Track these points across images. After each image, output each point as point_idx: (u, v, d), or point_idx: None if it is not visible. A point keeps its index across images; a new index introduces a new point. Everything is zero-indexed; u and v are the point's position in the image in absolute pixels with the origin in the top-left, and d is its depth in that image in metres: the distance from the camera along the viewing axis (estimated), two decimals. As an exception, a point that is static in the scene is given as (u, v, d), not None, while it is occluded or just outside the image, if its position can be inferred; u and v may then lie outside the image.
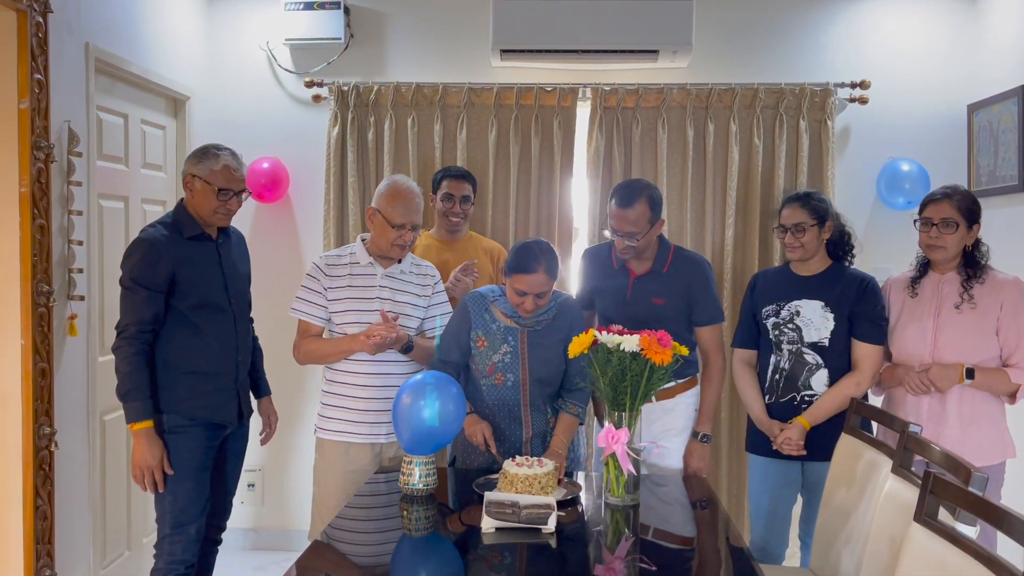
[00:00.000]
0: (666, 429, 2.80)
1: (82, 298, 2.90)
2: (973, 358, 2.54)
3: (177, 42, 3.69)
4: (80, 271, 2.89)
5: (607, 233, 2.76)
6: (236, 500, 2.92)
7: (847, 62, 3.84)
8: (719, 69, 3.85)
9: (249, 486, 4.07)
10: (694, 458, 2.81)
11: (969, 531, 1.64)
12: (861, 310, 2.69)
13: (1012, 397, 2.54)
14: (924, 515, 1.70)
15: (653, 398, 2.69)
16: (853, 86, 3.76)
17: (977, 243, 2.60)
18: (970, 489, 1.65)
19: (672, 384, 2.74)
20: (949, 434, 2.53)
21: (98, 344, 3.08)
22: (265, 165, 3.87)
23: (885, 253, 3.66)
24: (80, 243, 2.90)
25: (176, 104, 3.76)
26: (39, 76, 2.65)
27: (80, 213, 2.90)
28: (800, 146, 3.73)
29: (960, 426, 2.54)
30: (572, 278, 3.86)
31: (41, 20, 2.66)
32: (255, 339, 2.93)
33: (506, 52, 3.70)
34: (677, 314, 2.76)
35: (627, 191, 2.70)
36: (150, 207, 3.56)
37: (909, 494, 1.94)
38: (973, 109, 3.71)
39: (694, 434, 2.82)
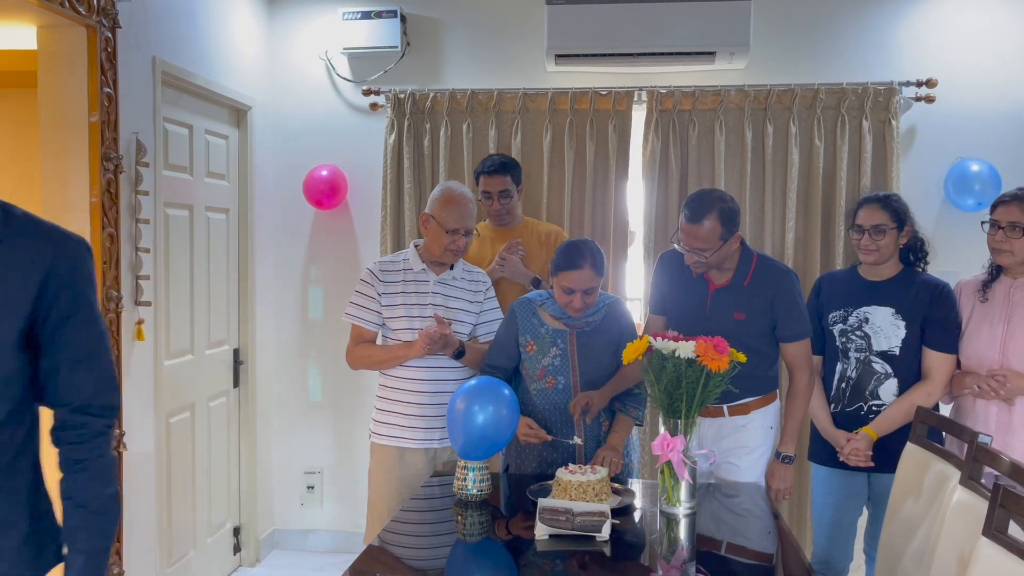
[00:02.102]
0: (738, 445, 2.68)
1: (149, 304, 2.99)
2: None
3: (239, 54, 3.78)
4: (147, 278, 2.98)
5: (676, 246, 2.64)
6: (296, 501, 2.98)
7: (912, 60, 3.73)
8: (778, 70, 3.78)
9: (309, 488, 4.15)
10: (776, 479, 2.70)
11: (1042, 548, 1.57)
12: (934, 317, 2.60)
13: None
14: (993, 529, 1.64)
15: (726, 411, 2.66)
16: (919, 84, 3.65)
17: None
18: (1043, 504, 1.58)
19: (748, 400, 2.66)
20: (1018, 445, 2.43)
21: (164, 348, 3.17)
22: (324, 172, 3.94)
23: (953, 257, 3.54)
24: (147, 250, 2.99)
25: (238, 114, 3.86)
26: (108, 90, 2.74)
27: (147, 221, 2.99)
28: (863, 147, 3.64)
29: None
30: (630, 281, 3.84)
31: (110, 35, 2.75)
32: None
33: (560, 57, 3.70)
34: (760, 329, 2.62)
35: (697, 205, 2.54)
36: (214, 215, 3.65)
37: (978, 507, 1.87)
38: (1047, 106, 3.56)
39: (776, 454, 2.72)
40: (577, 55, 3.69)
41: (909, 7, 3.75)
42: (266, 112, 4.04)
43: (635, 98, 3.77)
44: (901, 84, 3.64)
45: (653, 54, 3.65)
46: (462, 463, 2.35)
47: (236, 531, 3.88)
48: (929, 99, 3.66)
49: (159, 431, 3.15)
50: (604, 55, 3.68)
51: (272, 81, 4.09)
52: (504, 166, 3.23)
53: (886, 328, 2.63)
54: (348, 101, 4.06)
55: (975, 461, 2.00)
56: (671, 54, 3.65)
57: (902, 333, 2.62)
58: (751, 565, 2.09)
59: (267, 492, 4.12)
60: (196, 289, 3.48)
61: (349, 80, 4.04)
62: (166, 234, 3.22)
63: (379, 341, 2.85)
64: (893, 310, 2.64)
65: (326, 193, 3.94)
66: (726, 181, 3.68)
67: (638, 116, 3.81)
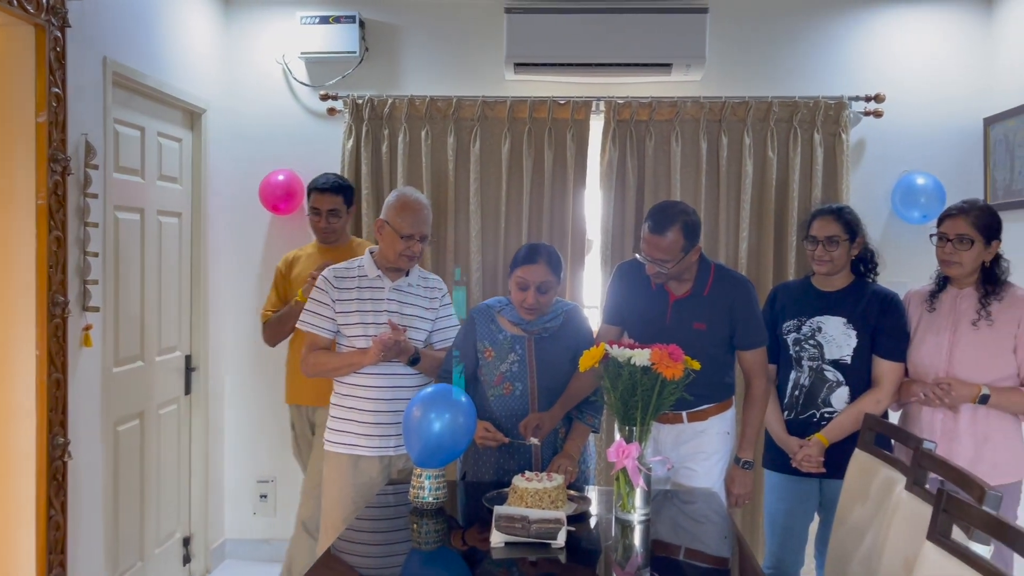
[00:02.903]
0: (696, 451, 2.71)
1: (97, 309, 2.92)
2: (988, 375, 2.51)
3: (194, 56, 3.73)
4: (95, 282, 2.91)
5: (639, 256, 2.67)
6: (248, 511, 2.96)
7: (862, 76, 3.83)
8: (733, 82, 3.85)
9: (262, 497, 4.08)
10: (736, 484, 2.75)
11: (983, 551, 1.61)
12: (884, 326, 2.66)
13: None
14: (937, 533, 1.68)
15: (685, 417, 2.69)
16: (868, 99, 3.74)
17: (997, 259, 2.57)
18: (984, 508, 1.62)
19: (706, 406, 2.70)
20: (963, 452, 2.49)
21: (113, 354, 3.10)
22: (280, 178, 3.90)
23: (900, 267, 3.63)
24: (96, 255, 2.92)
25: (192, 117, 3.80)
26: (57, 90, 2.68)
27: (96, 225, 2.93)
28: (814, 159, 3.72)
29: (974, 444, 2.51)
30: (587, 289, 3.86)
31: (59, 35, 2.69)
32: None
33: (519, 66, 3.72)
34: (719, 338, 2.66)
35: (661, 216, 2.57)
36: (166, 219, 3.59)
37: (923, 512, 1.92)
38: (989, 123, 3.68)
39: (736, 460, 2.76)
40: (536, 64, 3.71)
41: (859, 23, 3.85)
42: (222, 115, 3.98)
43: (593, 108, 3.80)
44: (851, 99, 3.73)
45: (610, 65, 3.69)
46: (418, 471, 2.34)
47: (186, 541, 3.80)
48: (877, 114, 3.76)
49: (107, 439, 3.07)
50: (562, 65, 3.71)
51: (228, 84, 4.04)
52: (338, 187, 3.43)
53: (838, 337, 2.69)
54: (305, 106, 4.03)
55: (920, 467, 2.06)
56: (628, 65, 3.69)
57: (853, 342, 2.68)
58: (706, 570, 2.11)
59: (219, 501, 4.05)
60: (147, 294, 3.41)
61: (306, 85, 4.01)
62: (116, 238, 3.16)
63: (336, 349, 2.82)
64: (845, 320, 2.69)
65: (282, 198, 3.90)
66: (682, 191, 3.73)
67: (596, 126, 3.84)
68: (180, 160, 3.73)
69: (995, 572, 1.49)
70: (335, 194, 3.40)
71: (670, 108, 3.74)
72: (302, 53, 3.91)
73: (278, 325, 3.45)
